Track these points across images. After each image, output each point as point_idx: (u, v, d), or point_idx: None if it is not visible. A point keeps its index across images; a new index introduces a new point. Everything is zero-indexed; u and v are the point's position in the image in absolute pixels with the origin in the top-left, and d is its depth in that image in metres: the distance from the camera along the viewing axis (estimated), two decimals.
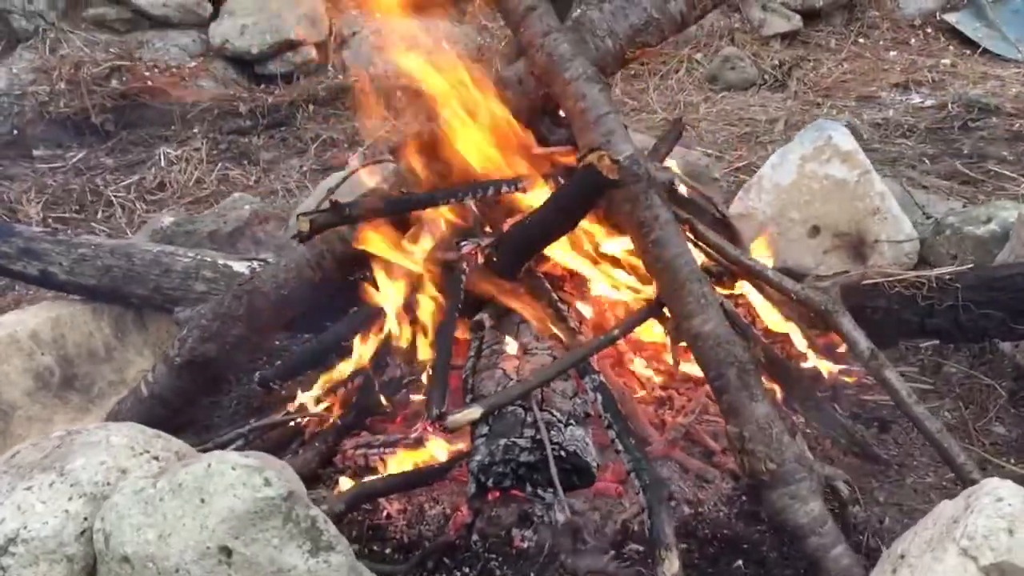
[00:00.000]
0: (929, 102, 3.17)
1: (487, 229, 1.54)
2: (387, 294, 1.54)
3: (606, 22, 1.59)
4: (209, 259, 1.86)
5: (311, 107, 3.38)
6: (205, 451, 1.65)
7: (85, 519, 1.28)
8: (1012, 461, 1.58)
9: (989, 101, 3.09)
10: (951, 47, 3.60)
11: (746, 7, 3.71)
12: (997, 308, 1.60)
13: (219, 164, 3.05)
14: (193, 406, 1.83)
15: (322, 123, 3.34)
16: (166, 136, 3.23)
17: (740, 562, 1.39)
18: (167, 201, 2.84)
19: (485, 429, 1.27)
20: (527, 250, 1.46)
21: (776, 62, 3.43)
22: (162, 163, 3.02)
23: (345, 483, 1.52)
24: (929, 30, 3.71)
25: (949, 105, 3.08)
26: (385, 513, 1.54)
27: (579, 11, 1.66)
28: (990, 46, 3.56)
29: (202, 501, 1.16)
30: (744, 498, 1.50)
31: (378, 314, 1.59)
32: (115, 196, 2.86)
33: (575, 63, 1.50)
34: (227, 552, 1.14)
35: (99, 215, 2.79)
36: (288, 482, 1.20)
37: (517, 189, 1.47)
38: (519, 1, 1.53)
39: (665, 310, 1.48)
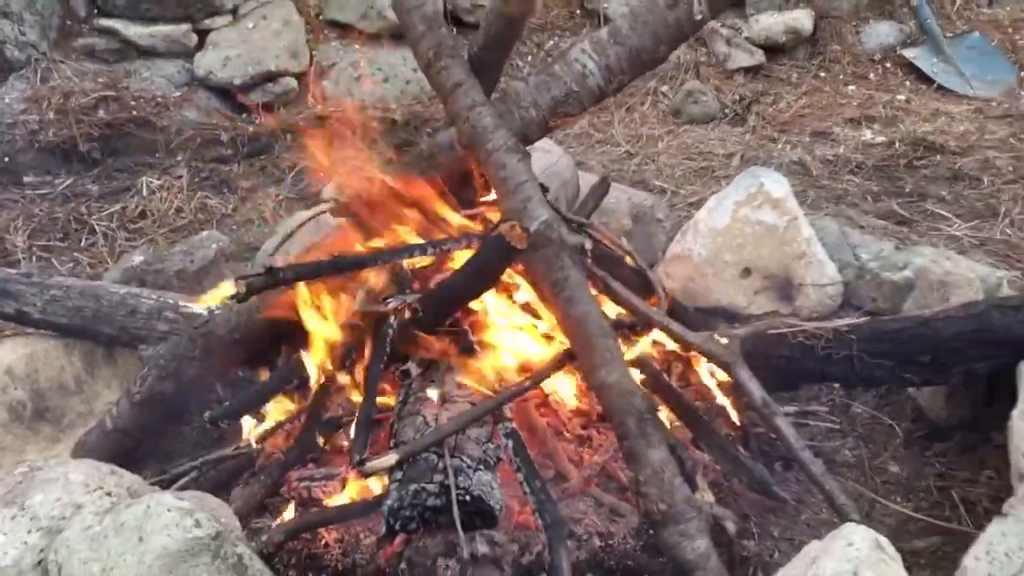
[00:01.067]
0: (879, 139, 3.30)
1: (415, 285, 1.68)
2: (317, 345, 1.69)
3: (530, 94, 1.73)
4: (171, 301, 2.01)
5: (289, 137, 3.52)
6: (161, 483, 1.81)
7: (41, 551, 1.43)
8: (898, 500, 1.72)
9: (936, 139, 3.22)
10: (908, 82, 3.73)
11: (712, 41, 3.85)
12: (887, 358, 1.74)
13: (198, 193, 3.20)
14: (156, 437, 1.98)
15: (299, 152, 3.49)
16: (150, 164, 3.37)
17: None
18: (147, 230, 2.99)
19: (399, 474, 1.41)
20: (448, 307, 1.61)
21: (737, 96, 3.57)
22: (144, 192, 3.17)
23: (287, 514, 1.67)
24: (888, 65, 3.84)
25: (897, 143, 3.22)
26: (323, 542, 1.68)
27: (505, 83, 1.80)
28: (945, 82, 3.68)
29: (140, 539, 1.31)
30: (650, 531, 1.64)
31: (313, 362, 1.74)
32: (98, 225, 3.00)
33: (497, 135, 1.65)
34: None
35: (82, 243, 2.94)
36: (218, 523, 1.35)
37: (441, 251, 1.61)
38: (447, 77, 1.68)
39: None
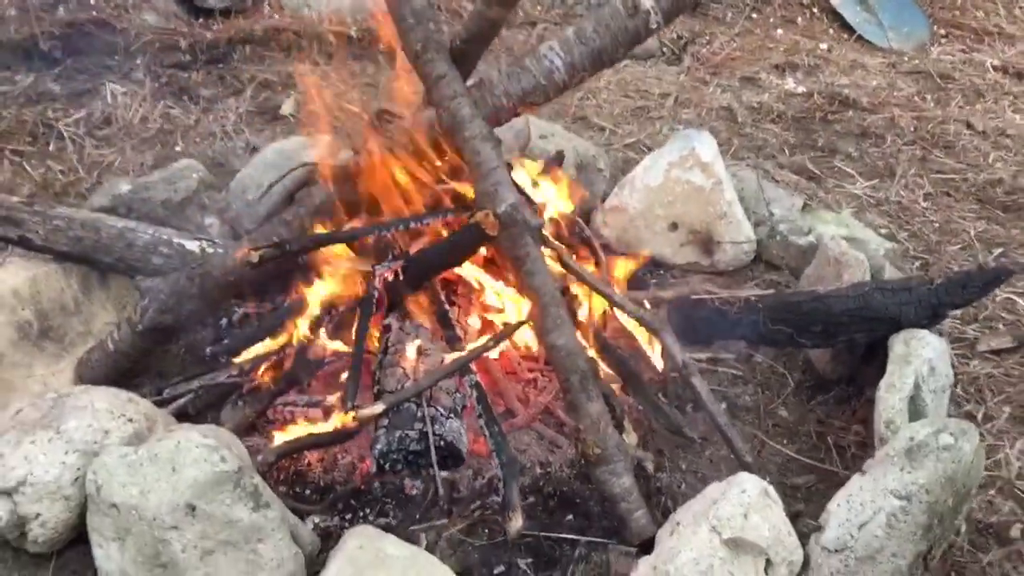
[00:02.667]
0: (801, 88, 3.60)
1: (398, 250, 1.95)
2: (316, 293, 1.95)
3: (502, 84, 1.96)
4: (166, 237, 2.22)
5: (248, 47, 3.63)
6: (160, 403, 2.07)
7: (78, 469, 1.70)
8: (784, 442, 2.10)
9: (850, 93, 3.53)
10: (831, 30, 4.00)
11: None
12: (787, 325, 2.09)
13: (161, 102, 3.32)
14: (150, 358, 2.23)
15: (258, 63, 3.61)
16: (109, 66, 3.46)
17: (571, 515, 1.89)
18: (114, 139, 3.13)
19: (385, 421, 1.72)
20: (427, 273, 1.88)
21: (675, 35, 3.80)
22: (108, 98, 3.28)
23: (278, 438, 1.96)
24: (815, 10, 4.09)
25: (815, 95, 3.52)
26: (307, 461, 1.99)
27: (482, 73, 2.03)
28: (865, 32, 3.96)
29: (173, 470, 1.59)
30: (583, 462, 1.99)
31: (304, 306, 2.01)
32: (65, 130, 3.12)
33: (474, 124, 1.89)
34: (192, 508, 1.57)
35: (51, 147, 3.07)
36: (238, 458, 1.63)
37: (423, 224, 1.88)
38: (432, 69, 1.90)
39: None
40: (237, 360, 2.06)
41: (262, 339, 2.00)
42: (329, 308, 1.97)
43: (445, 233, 1.92)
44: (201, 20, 3.71)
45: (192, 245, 2.22)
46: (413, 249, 1.94)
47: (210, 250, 2.20)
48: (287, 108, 3.41)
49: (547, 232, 1.91)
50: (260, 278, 2.08)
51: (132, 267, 2.21)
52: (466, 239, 1.79)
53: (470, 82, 1.99)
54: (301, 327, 1.97)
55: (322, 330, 1.96)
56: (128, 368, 2.17)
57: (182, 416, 2.04)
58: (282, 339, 2.03)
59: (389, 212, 1.95)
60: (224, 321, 2.34)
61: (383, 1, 1.94)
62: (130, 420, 1.80)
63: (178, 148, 3.12)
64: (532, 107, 2.01)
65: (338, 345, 1.94)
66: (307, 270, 2.02)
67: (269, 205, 2.58)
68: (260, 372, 2.05)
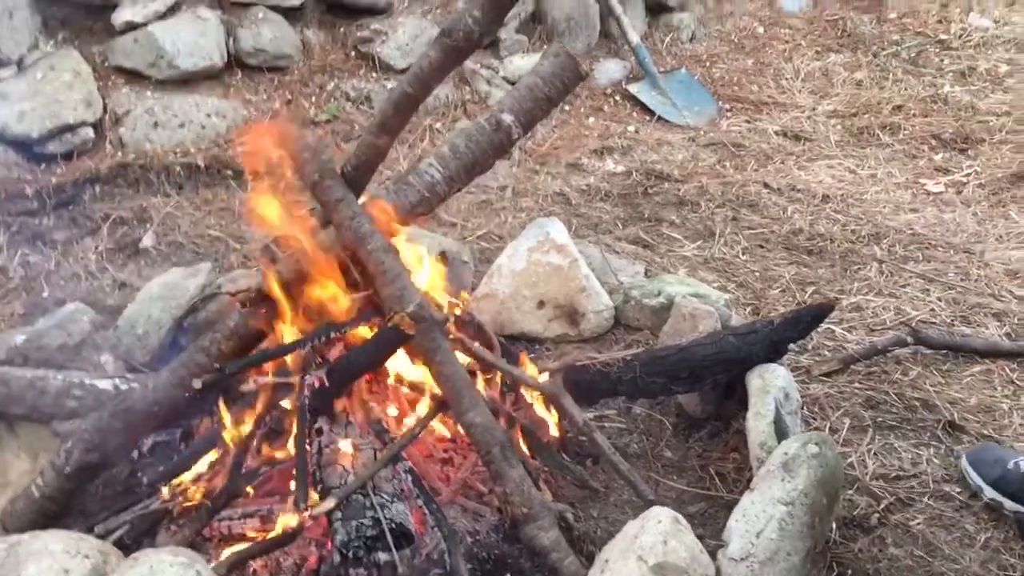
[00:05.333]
0: (620, 168, 4.03)
1: (319, 358, 2.13)
2: (243, 409, 2.10)
3: (391, 199, 2.21)
4: (77, 380, 2.30)
5: (96, 186, 3.70)
6: (96, 535, 2.12)
7: None
8: (674, 478, 2.40)
9: (662, 168, 4.00)
10: (635, 114, 4.50)
11: (474, 82, 4.42)
12: (660, 376, 2.41)
13: (17, 251, 3.35)
14: (73, 498, 2.28)
15: (109, 201, 3.68)
16: None
17: (508, 574, 2.10)
18: None
19: (339, 514, 1.88)
20: (352, 376, 2.08)
21: None
22: None
23: (225, 551, 2.07)
24: (618, 98, 4.59)
25: (634, 172, 3.96)
26: (252, 570, 2.11)
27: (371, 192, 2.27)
28: (663, 113, 4.48)
29: None
30: (509, 527, 2.21)
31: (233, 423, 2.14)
32: None
33: (374, 237, 2.12)
34: None
35: None
36: (211, 571, 1.74)
37: (345, 332, 2.08)
38: (330, 195, 2.12)
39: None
40: (169, 485, 2.16)
41: (195, 462, 2.11)
42: (258, 422, 2.12)
43: (366, 337, 2.12)
44: (44, 166, 3.75)
45: (105, 384, 2.31)
46: (333, 356, 2.13)
47: (124, 387, 2.30)
48: (147, 241, 3.50)
49: (451, 325, 2.15)
50: (182, 406, 2.20)
51: (46, 414, 2.27)
52: (386, 340, 2.01)
53: (362, 201, 2.22)
54: (233, 442, 2.10)
55: (254, 443, 2.10)
56: (55, 512, 2.21)
57: (120, 549, 2.11)
58: (214, 457, 2.15)
59: (305, 327, 2.13)
60: (135, 453, 2.42)
61: (275, 141, 2.14)
62: (86, 557, 1.87)
63: (44, 294, 3.15)
64: (419, 218, 2.26)
65: (273, 455, 2.08)
66: (230, 391, 2.16)
67: (159, 338, 2.69)
68: (193, 492, 2.16)
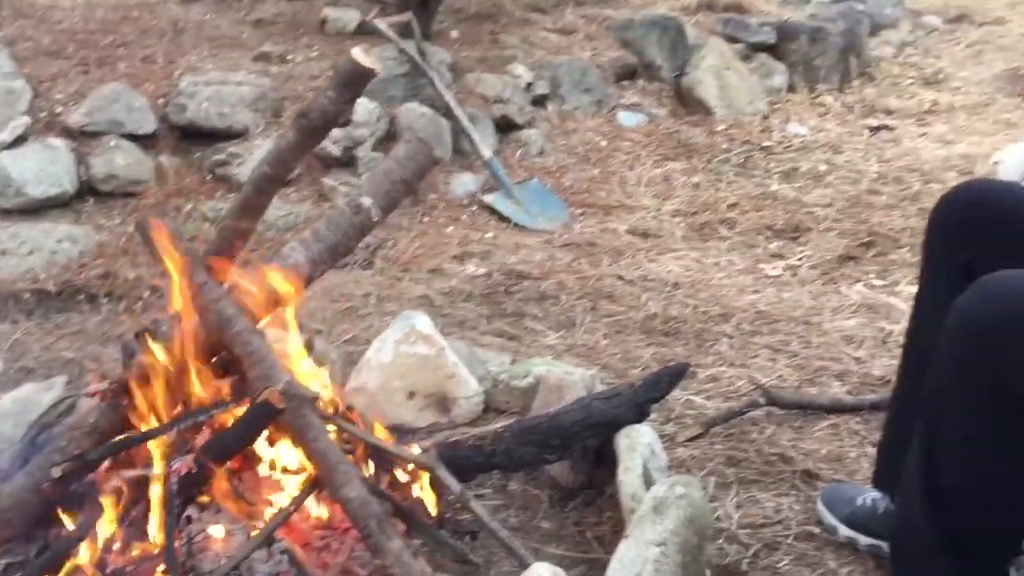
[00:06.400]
0: (481, 270, 4.16)
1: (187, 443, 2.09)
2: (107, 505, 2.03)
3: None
4: None
5: None
6: None
7: None
8: (554, 545, 2.43)
9: (522, 268, 4.15)
10: (492, 222, 4.67)
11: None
12: (532, 446, 2.46)
13: None
14: None
15: None
16: None
17: None
18: None
19: None
20: (222, 459, 2.05)
21: (365, 244, 4.25)
22: None
23: None
24: (475, 208, 4.77)
25: (494, 273, 4.10)
26: None
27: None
28: (519, 220, 4.67)
29: None
30: None
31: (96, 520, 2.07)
32: None
33: (239, 320, 2.14)
34: None
35: None
36: None
37: (214, 414, 2.05)
38: (193, 280, 2.14)
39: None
40: None
41: (61, 566, 2.02)
42: (123, 517, 2.05)
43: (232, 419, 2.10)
44: None
45: None
46: (200, 441, 2.09)
47: None
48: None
49: (321, 403, 2.16)
50: (39, 511, 2.11)
51: None
52: (256, 418, 2.00)
53: (227, 285, 2.24)
54: (98, 539, 2.02)
55: (120, 540, 2.03)
56: None
57: None
58: (74, 563, 2.06)
59: (171, 415, 2.10)
60: None
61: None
62: None
63: None
64: (285, 301, 2.29)
65: (142, 549, 2.01)
66: (91, 489, 2.09)
67: (12, 454, 2.58)
68: None
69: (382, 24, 5.11)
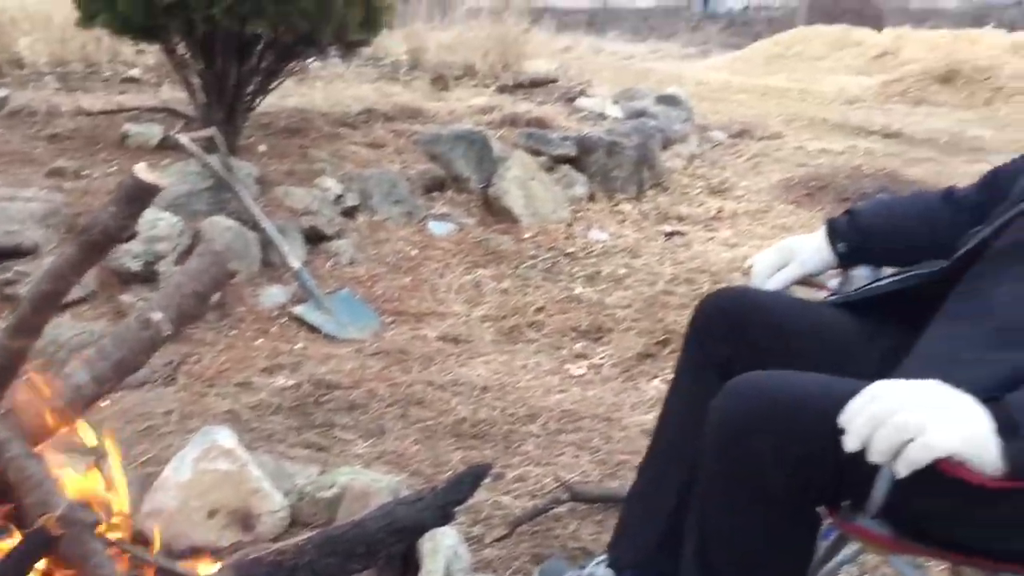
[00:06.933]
0: (290, 382, 4.11)
1: None
2: None
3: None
4: None
5: None
6: None
7: None
8: None
9: (332, 378, 4.13)
10: (302, 333, 4.64)
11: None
12: (337, 556, 2.43)
13: None
14: None
15: None
16: None
17: None
18: None
19: None
20: None
21: (167, 361, 4.13)
22: None
23: None
24: (284, 320, 4.73)
25: (304, 384, 4.06)
26: None
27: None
28: (329, 330, 4.66)
29: None
30: None
31: None
32: None
33: (13, 444, 2.04)
34: None
35: None
36: None
37: None
38: None
39: None
40: None
41: None
42: None
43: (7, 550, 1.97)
44: None
45: None
46: None
47: None
48: None
49: (104, 527, 2.08)
50: None
51: None
52: (31, 548, 1.89)
53: (2, 411, 2.13)
54: None
55: None
56: None
57: None
58: None
59: None
60: None
61: None
62: None
63: None
64: (68, 422, 2.20)
65: None
66: None
67: None
68: None
69: (185, 139, 5.08)
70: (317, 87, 8.32)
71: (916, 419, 1.44)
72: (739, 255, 5.94)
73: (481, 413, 3.87)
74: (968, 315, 1.89)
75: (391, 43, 10.49)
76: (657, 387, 4.11)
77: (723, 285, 5.08)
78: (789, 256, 2.48)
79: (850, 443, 1.51)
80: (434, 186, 6.45)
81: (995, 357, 1.70)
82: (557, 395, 4.07)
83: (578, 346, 4.68)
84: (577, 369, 4.38)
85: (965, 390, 1.53)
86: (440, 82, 9.01)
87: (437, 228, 6.08)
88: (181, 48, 5.70)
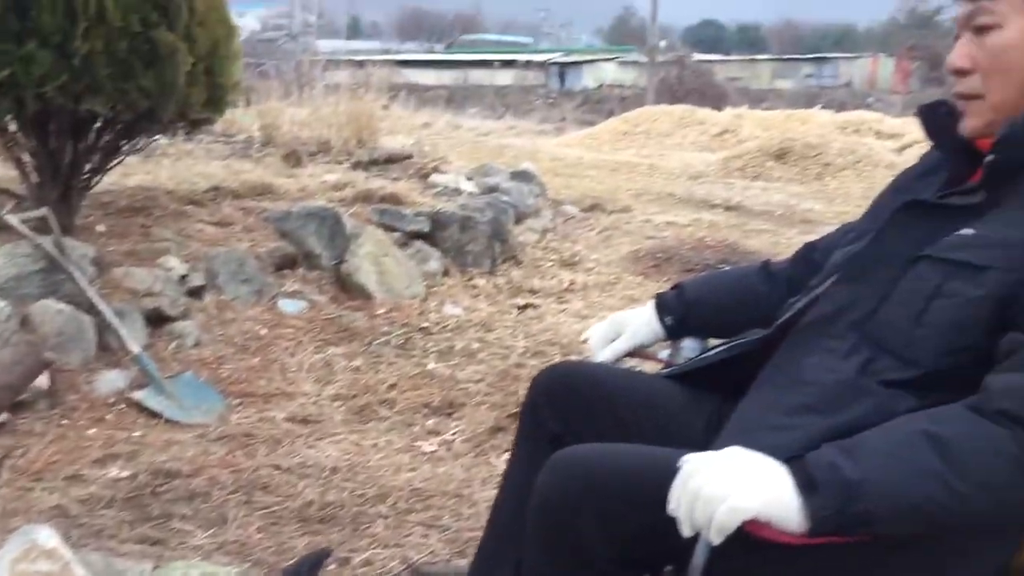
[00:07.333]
0: (125, 473, 3.91)
1: None
2: None
3: None
4: None
5: None
6: None
7: None
8: None
9: (172, 466, 3.96)
10: (141, 419, 4.44)
11: None
12: None
13: None
14: None
15: None
16: None
17: None
18: None
19: None
20: None
21: None
22: None
23: None
24: (122, 406, 4.51)
25: (140, 475, 3.87)
26: None
27: None
28: (171, 415, 4.48)
29: None
30: None
31: None
32: None
33: None
34: None
35: None
36: None
37: None
38: None
39: None
40: None
41: None
42: None
43: None
44: None
45: None
46: None
47: None
48: None
49: None
50: None
51: None
52: None
53: None
54: None
55: None
56: None
57: None
58: None
59: None
60: None
61: None
62: None
63: None
64: None
65: None
66: None
67: None
68: None
69: (14, 219, 4.86)
70: (163, 164, 8.13)
71: (721, 488, 1.50)
72: (589, 326, 6.06)
73: (329, 495, 3.78)
74: (780, 384, 1.99)
75: (245, 119, 10.41)
76: (508, 461, 4.12)
77: (573, 357, 5.19)
78: (620, 328, 2.56)
79: (685, 531, 1.56)
80: (285, 264, 6.37)
81: (800, 423, 1.79)
82: (407, 473, 4.02)
83: (430, 422, 4.65)
84: (428, 446, 4.36)
85: (768, 454, 1.60)
86: (292, 158, 8.95)
87: (288, 306, 5.98)
88: (12, 126, 5.48)
